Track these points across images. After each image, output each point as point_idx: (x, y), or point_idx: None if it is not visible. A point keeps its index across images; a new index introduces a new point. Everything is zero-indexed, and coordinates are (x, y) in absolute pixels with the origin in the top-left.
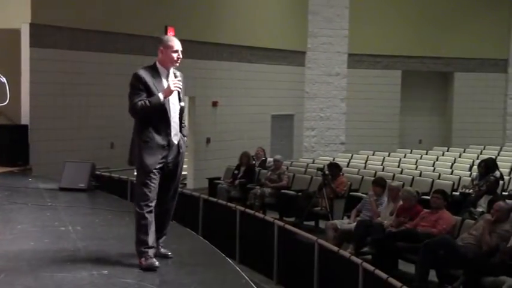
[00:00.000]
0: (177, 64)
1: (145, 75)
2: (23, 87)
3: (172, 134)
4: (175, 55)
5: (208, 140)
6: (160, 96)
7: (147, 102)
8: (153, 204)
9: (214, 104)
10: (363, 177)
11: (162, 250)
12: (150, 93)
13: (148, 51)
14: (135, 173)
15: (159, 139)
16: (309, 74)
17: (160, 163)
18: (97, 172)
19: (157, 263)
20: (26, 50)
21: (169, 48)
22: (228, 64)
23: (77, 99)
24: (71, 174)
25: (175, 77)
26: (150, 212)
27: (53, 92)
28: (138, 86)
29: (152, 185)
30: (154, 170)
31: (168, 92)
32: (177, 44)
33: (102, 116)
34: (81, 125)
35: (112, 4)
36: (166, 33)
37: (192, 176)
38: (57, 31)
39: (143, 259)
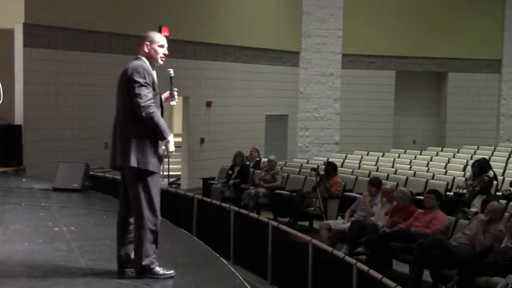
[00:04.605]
0: (163, 61)
1: (148, 68)
2: (17, 87)
3: None
4: (161, 50)
5: (202, 140)
6: (168, 132)
7: (160, 122)
8: None
9: (208, 104)
10: (357, 177)
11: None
12: (154, 89)
13: None
14: (136, 177)
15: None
16: (303, 74)
17: None
18: (91, 172)
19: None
20: (20, 50)
21: (155, 42)
22: (222, 64)
23: (71, 99)
24: (64, 174)
25: (170, 74)
26: None
27: (46, 92)
28: (148, 78)
29: None
30: None
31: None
32: (163, 39)
33: (95, 116)
34: (74, 125)
35: (106, 4)
36: (160, 33)
37: (186, 176)
38: (50, 31)
39: (158, 268)
